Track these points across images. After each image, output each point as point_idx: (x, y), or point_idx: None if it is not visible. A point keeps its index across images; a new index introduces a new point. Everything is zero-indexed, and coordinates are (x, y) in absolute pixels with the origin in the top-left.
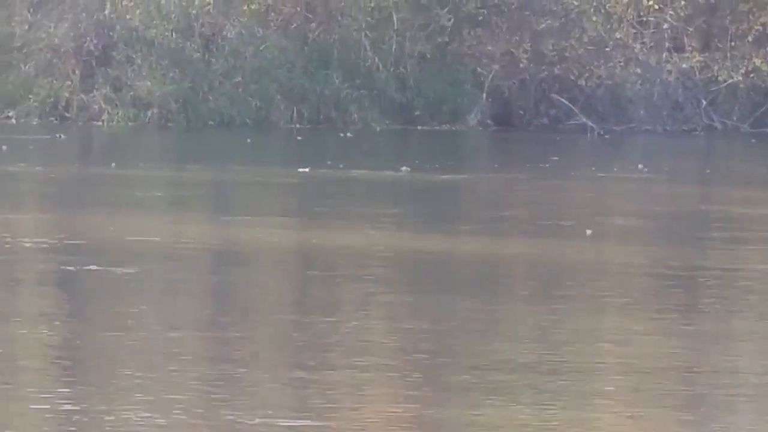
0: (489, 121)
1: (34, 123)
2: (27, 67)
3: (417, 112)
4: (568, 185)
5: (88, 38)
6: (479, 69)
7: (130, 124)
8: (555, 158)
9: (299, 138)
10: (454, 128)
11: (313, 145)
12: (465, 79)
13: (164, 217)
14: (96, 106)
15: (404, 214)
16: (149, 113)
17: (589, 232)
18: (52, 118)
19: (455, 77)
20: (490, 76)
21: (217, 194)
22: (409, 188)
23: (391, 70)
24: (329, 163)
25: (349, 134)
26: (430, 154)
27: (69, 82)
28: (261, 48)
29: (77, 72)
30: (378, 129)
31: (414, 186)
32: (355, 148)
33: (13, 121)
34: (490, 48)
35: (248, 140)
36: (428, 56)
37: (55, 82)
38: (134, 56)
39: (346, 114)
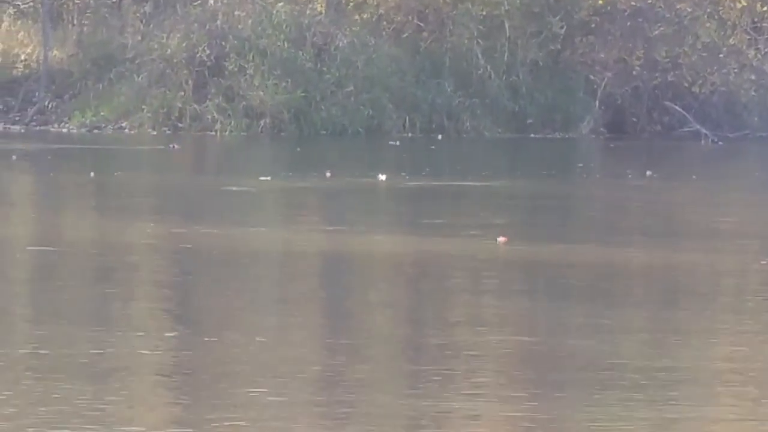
0: (602, 129)
1: (154, 133)
2: (140, 77)
3: (529, 121)
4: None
5: (201, 48)
6: (592, 76)
7: (242, 134)
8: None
9: (346, 147)
10: (566, 136)
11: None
12: (577, 86)
13: (273, 227)
14: (209, 116)
15: (509, 224)
16: (262, 123)
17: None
18: (165, 129)
19: (568, 85)
20: (603, 83)
21: (331, 203)
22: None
23: (504, 78)
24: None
25: (397, 143)
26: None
27: (182, 93)
28: (373, 57)
29: (190, 82)
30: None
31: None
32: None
33: (127, 131)
34: (602, 55)
35: (298, 148)
36: (540, 64)
37: (168, 92)
38: (246, 66)
39: (459, 122)
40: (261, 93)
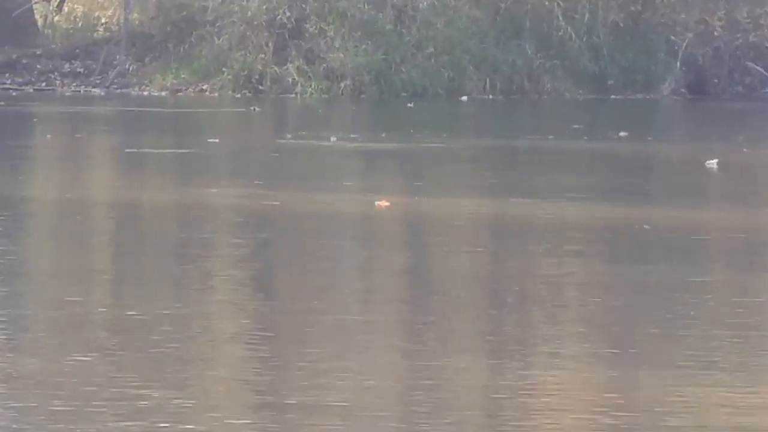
0: (683, 90)
1: (238, 96)
2: (221, 40)
3: (610, 82)
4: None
5: (281, 11)
6: (673, 37)
7: (323, 96)
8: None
9: (410, 105)
10: (647, 97)
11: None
12: (658, 47)
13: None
14: (289, 79)
15: (591, 185)
16: (342, 85)
17: None
18: (246, 91)
19: (649, 46)
20: (684, 44)
21: (408, 164)
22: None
23: (584, 39)
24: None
25: (410, 104)
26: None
27: (262, 55)
28: (453, 19)
29: (270, 45)
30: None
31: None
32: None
33: (208, 93)
34: (683, 16)
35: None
36: (621, 25)
37: (248, 54)
38: (327, 28)
39: (539, 84)
40: (341, 55)
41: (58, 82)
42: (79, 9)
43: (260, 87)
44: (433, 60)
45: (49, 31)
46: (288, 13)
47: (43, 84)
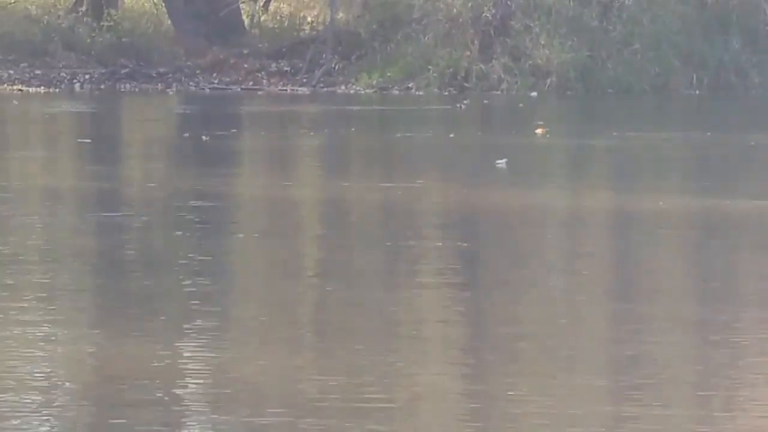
0: None
1: (445, 94)
2: (426, 38)
3: None
4: None
5: (486, 8)
6: None
7: (528, 93)
8: None
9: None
10: None
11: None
12: None
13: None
14: (495, 76)
15: None
16: (548, 82)
17: None
18: (451, 88)
19: None
20: None
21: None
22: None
23: None
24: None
25: (463, 105)
26: None
27: (468, 53)
28: (659, 14)
29: (476, 42)
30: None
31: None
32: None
33: (413, 91)
34: None
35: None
36: None
37: (453, 52)
38: (532, 25)
39: (747, 79)
40: (547, 51)
41: (264, 81)
42: (285, 8)
43: (465, 84)
44: (639, 56)
45: (256, 30)
46: (493, 10)
47: (251, 83)
